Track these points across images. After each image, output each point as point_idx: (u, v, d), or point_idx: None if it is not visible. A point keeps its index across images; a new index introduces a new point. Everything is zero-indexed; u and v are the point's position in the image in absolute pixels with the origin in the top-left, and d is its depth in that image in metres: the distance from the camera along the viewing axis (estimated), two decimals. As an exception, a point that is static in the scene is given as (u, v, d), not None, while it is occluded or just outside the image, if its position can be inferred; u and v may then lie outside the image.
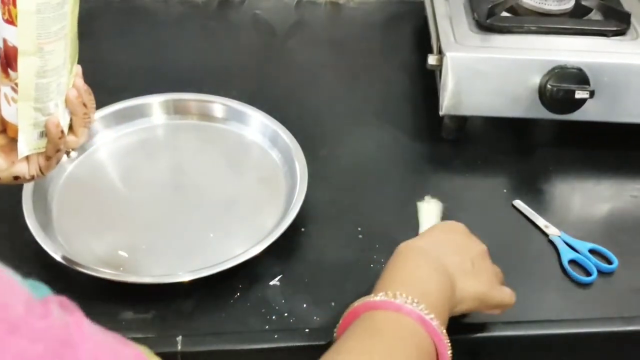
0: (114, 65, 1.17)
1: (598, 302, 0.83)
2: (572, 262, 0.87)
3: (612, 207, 0.96)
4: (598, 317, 0.82)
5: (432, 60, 1.00)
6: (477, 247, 0.76)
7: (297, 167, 0.92)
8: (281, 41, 1.28)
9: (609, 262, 0.86)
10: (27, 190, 0.86)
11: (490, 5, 1.03)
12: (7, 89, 0.66)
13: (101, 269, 0.79)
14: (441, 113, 1.00)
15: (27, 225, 0.83)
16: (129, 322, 0.78)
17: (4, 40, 0.64)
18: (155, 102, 1.03)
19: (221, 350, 0.76)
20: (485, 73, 0.97)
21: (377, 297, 0.67)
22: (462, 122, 1.03)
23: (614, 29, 1.02)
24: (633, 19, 1.03)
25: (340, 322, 0.69)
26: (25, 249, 0.83)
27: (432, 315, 0.66)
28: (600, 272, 0.85)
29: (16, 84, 0.65)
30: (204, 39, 1.26)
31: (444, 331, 0.67)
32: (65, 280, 0.78)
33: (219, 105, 1.03)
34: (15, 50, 0.63)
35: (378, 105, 1.12)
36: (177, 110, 1.03)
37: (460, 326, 0.79)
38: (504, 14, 1.05)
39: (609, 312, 0.82)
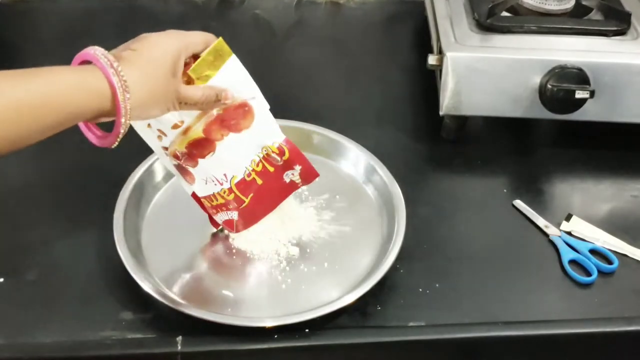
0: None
1: (598, 302, 0.83)
2: (573, 262, 0.87)
3: (612, 207, 0.96)
4: (598, 317, 0.82)
5: (432, 60, 1.00)
6: None
7: (394, 207, 0.88)
8: (281, 41, 1.28)
9: (610, 262, 0.86)
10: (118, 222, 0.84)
11: (490, 5, 1.03)
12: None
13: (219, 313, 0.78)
14: (441, 113, 1.00)
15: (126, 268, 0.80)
16: (129, 322, 0.77)
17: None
18: None
19: (221, 350, 0.76)
20: (485, 73, 0.97)
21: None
22: (462, 122, 1.03)
23: (615, 28, 1.02)
24: (633, 19, 1.04)
25: None
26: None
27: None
28: (601, 272, 0.85)
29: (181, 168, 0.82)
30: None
31: None
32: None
33: (315, 135, 0.98)
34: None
35: (378, 105, 1.12)
36: None
37: (460, 326, 0.79)
38: (504, 13, 1.05)
39: (609, 312, 0.82)
